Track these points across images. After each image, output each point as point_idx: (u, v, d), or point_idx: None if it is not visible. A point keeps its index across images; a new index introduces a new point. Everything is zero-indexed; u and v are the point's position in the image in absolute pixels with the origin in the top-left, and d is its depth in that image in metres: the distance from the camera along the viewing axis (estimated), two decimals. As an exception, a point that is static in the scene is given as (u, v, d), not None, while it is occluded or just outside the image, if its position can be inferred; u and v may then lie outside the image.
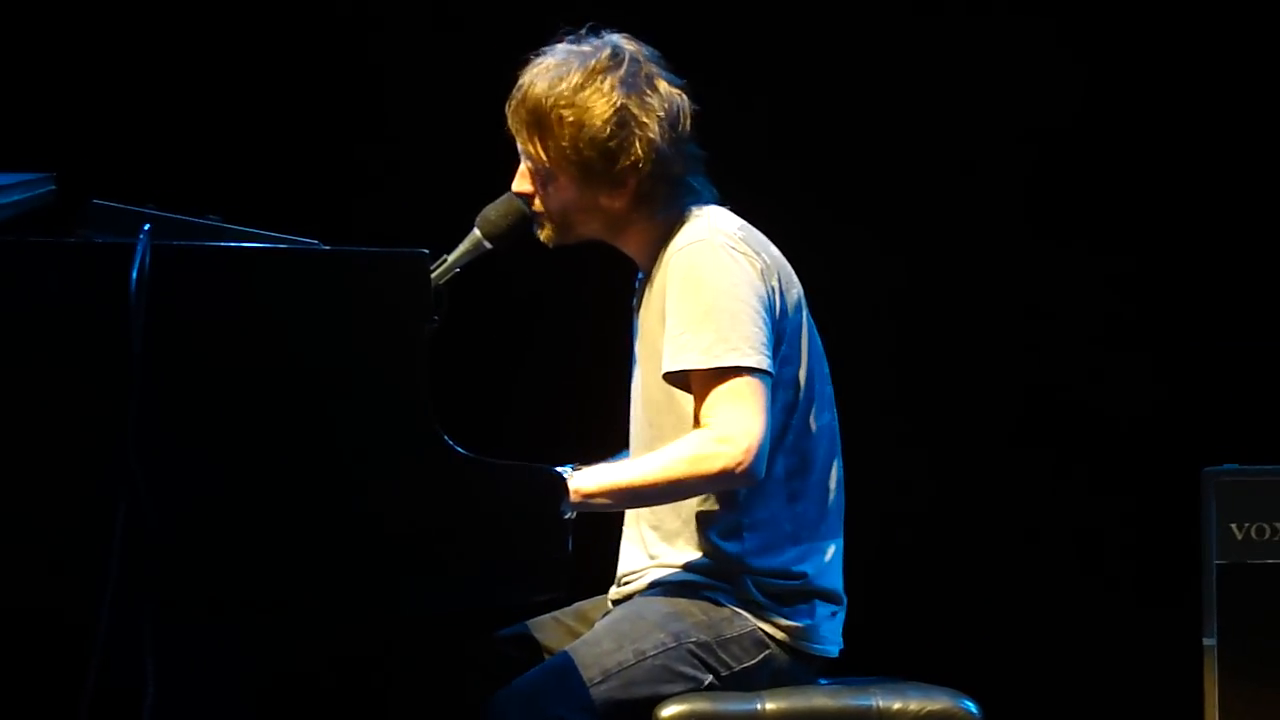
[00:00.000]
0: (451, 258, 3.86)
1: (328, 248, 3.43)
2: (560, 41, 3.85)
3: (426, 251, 3.42)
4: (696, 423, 3.71)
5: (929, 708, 3.76)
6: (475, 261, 3.86)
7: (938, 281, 5.40)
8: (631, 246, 3.90)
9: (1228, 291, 5.33)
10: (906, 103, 5.35)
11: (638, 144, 3.77)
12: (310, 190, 5.21)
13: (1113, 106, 5.35)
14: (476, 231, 3.87)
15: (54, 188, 3.62)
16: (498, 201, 3.88)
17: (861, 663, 3.93)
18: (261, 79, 5.29)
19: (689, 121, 3.83)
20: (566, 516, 3.48)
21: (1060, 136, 5.35)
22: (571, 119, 3.76)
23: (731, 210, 3.87)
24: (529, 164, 3.84)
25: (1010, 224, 5.37)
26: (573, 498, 3.58)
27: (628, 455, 3.93)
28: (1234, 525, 4.47)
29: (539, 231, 3.88)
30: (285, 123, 5.30)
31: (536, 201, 3.85)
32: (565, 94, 3.77)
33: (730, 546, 3.80)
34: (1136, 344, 5.36)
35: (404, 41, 5.33)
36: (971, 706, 3.78)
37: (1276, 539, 4.48)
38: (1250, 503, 4.48)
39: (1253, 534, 4.48)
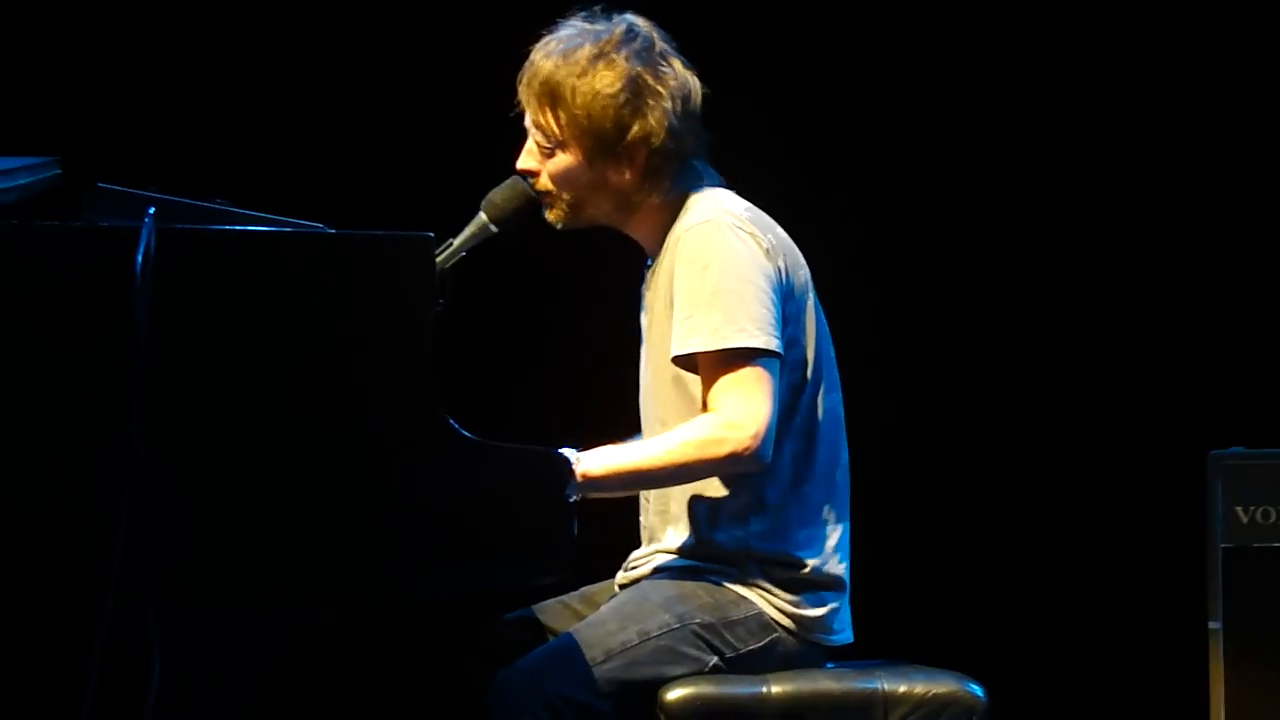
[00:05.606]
0: (457, 241, 3.85)
1: (333, 231, 3.43)
2: (573, 19, 3.85)
3: (432, 235, 3.42)
4: (704, 406, 3.72)
5: (935, 691, 3.76)
6: (481, 245, 3.86)
7: (942, 261, 5.39)
8: (639, 230, 3.89)
9: (1234, 271, 5.33)
10: (893, 87, 5.35)
11: (650, 115, 3.77)
12: (316, 173, 5.20)
13: (1105, 81, 5.35)
14: (482, 215, 3.87)
15: (59, 171, 3.61)
16: (503, 185, 3.88)
17: (868, 646, 3.93)
18: (268, 63, 5.28)
19: (700, 100, 3.83)
20: (572, 499, 3.49)
21: (1053, 107, 5.35)
22: (585, 88, 3.76)
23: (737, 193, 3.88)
24: (539, 137, 3.83)
25: (1012, 202, 5.37)
26: (578, 479, 3.58)
27: (640, 438, 3.93)
28: (1240, 508, 4.47)
29: (547, 213, 3.87)
30: (291, 106, 5.29)
31: (543, 179, 3.84)
32: (581, 63, 3.77)
33: (736, 531, 3.79)
34: (1142, 326, 5.35)
35: (410, 26, 5.32)
36: (978, 690, 3.78)
37: (1283, 522, 4.48)
38: (1256, 486, 4.48)
39: (1258, 517, 4.47)
